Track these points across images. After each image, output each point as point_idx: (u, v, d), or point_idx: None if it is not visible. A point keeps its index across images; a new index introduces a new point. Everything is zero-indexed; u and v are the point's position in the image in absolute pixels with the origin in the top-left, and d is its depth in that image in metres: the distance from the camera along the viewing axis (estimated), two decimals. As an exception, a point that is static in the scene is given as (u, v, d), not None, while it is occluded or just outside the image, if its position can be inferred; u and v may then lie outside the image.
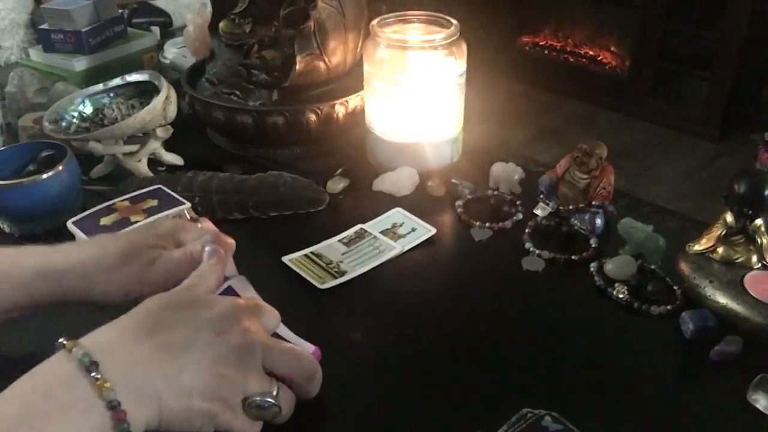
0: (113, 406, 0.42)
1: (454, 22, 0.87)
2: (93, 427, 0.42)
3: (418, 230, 0.79)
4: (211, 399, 0.46)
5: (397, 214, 0.83)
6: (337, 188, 0.88)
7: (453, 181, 0.88)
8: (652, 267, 0.72)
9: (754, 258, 0.67)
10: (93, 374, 0.42)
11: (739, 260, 0.68)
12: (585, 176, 0.78)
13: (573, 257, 0.75)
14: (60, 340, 0.44)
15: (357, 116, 0.95)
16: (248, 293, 0.59)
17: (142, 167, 0.90)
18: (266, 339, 0.51)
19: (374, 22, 0.87)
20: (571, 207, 0.79)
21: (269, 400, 0.48)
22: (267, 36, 0.92)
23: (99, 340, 0.45)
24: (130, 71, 0.97)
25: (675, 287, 0.69)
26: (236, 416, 0.47)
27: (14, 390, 0.42)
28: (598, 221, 0.78)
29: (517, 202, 0.84)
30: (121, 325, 0.47)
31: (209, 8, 1.00)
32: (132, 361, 0.45)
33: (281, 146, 0.96)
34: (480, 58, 1.58)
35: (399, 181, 0.87)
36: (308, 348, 0.58)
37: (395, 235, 0.79)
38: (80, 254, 0.57)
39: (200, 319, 0.48)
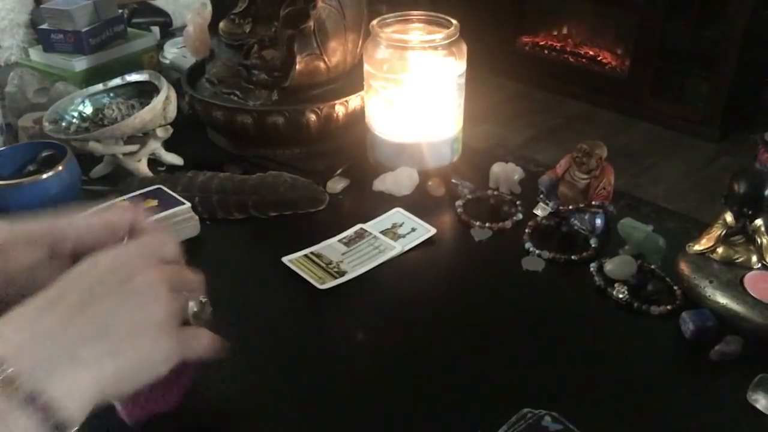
0: (32, 400, 0.37)
1: (454, 22, 0.87)
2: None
3: (418, 230, 0.79)
4: (142, 341, 0.43)
5: (397, 214, 0.83)
6: (337, 188, 0.88)
7: (453, 181, 0.88)
8: (652, 267, 0.72)
9: (754, 258, 0.67)
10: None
11: (739, 260, 0.68)
12: (585, 176, 0.78)
13: (573, 257, 0.75)
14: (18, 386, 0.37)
15: (357, 116, 0.95)
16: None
17: (142, 167, 0.90)
18: (165, 268, 0.46)
19: (374, 22, 0.87)
20: (571, 207, 0.79)
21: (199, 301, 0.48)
22: (267, 36, 0.92)
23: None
24: (130, 71, 0.97)
25: (675, 287, 0.69)
26: (182, 336, 0.46)
27: None
28: (598, 221, 0.78)
29: (517, 202, 0.84)
30: (20, 311, 0.41)
31: (209, 8, 1.00)
32: (40, 341, 0.39)
33: (281, 146, 0.96)
34: (480, 58, 1.59)
35: (399, 181, 0.87)
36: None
37: (395, 235, 0.79)
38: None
39: (93, 275, 0.44)
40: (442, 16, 0.89)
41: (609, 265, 0.72)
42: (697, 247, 0.69)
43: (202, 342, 0.48)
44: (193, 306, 0.54)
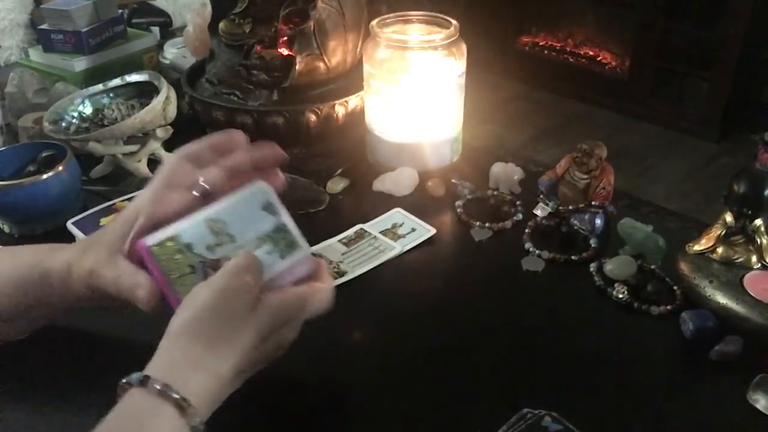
0: (183, 408, 0.44)
1: (454, 22, 0.87)
2: None
3: (417, 230, 0.79)
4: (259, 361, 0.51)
5: (397, 214, 0.83)
6: (337, 188, 0.88)
7: (453, 181, 0.88)
8: (652, 267, 0.72)
9: (754, 258, 0.67)
10: (174, 395, 0.44)
11: (739, 260, 0.68)
12: (585, 176, 0.78)
13: (573, 257, 0.75)
14: (156, 386, 0.44)
15: (357, 116, 0.95)
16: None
17: (142, 167, 0.90)
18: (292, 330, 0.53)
19: (374, 22, 0.87)
20: (570, 207, 0.79)
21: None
22: (267, 36, 0.92)
23: (202, 392, 0.46)
24: (130, 71, 0.97)
25: (675, 287, 0.69)
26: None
27: None
28: (598, 221, 0.78)
29: (517, 202, 0.84)
30: (207, 368, 0.47)
31: (209, 8, 1.00)
32: (215, 384, 0.47)
33: (281, 146, 0.95)
34: (480, 58, 1.58)
35: (399, 181, 0.87)
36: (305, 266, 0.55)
37: (395, 235, 0.79)
38: (70, 249, 0.55)
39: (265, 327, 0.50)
40: (442, 16, 0.89)
41: (609, 265, 0.72)
42: (697, 247, 0.69)
43: (323, 303, 0.54)
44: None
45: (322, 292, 0.54)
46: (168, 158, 0.55)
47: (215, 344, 0.47)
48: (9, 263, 0.57)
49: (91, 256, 0.53)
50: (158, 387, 0.44)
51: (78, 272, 0.53)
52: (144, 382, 0.44)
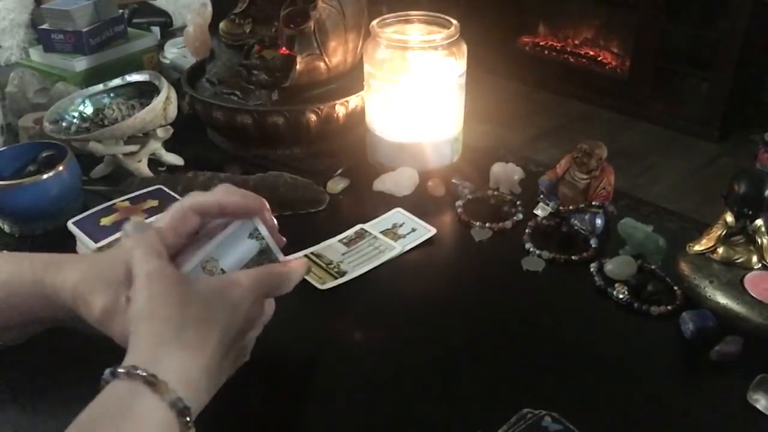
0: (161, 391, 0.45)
1: (454, 22, 0.87)
2: None
3: (418, 230, 0.79)
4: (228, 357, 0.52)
5: (397, 215, 0.83)
6: (337, 188, 0.88)
7: (453, 181, 0.88)
8: (652, 267, 0.72)
9: (754, 258, 0.67)
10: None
11: (739, 260, 0.68)
12: (585, 176, 0.78)
13: (573, 257, 0.75)
14: (121, 370, 0.45)
15: (357, 116, 0.95)
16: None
17: (143, 167, 0.90)
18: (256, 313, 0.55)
19: (374, 22, 0.87)
20: (571, 207, 0.79)
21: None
22: (267, 36, 0.92)
23: (174, 368, 0.46)
24: (130, 71, 0.97)
25: (675, 287, 0.70)
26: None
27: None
28: (598, 221, 0.78)
29: (517, 202, 0.84)
30: (183, 344, 0.48)
31: (209, 8, 1.00)
32: (206, 381, 0.49)
33: (281, 146, 0.96)
34: (480, 58, 1.58)
35: (399, 181, 0.87)
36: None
37: (395, 235, 0.79)
38: (73, 273, 0.53)
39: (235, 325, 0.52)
40: (442, 16, 0.89)
41: (609, 265, 0.72)
42: (697, 247, 0.69)
43: (290, 283, 0.56)
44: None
45: (290, 270, 0.56)
46: (176, 206, 0.56)
47: (182, 321, 0.48)
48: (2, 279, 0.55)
49: (99, 299, 0.51)
50: (123, 371, 0.45)
51: (84, 309, 0.52)
52: (113, 372, 0.45)
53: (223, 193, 0.57)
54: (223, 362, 0.51)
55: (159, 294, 0.49)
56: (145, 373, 0.44)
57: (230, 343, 0.51)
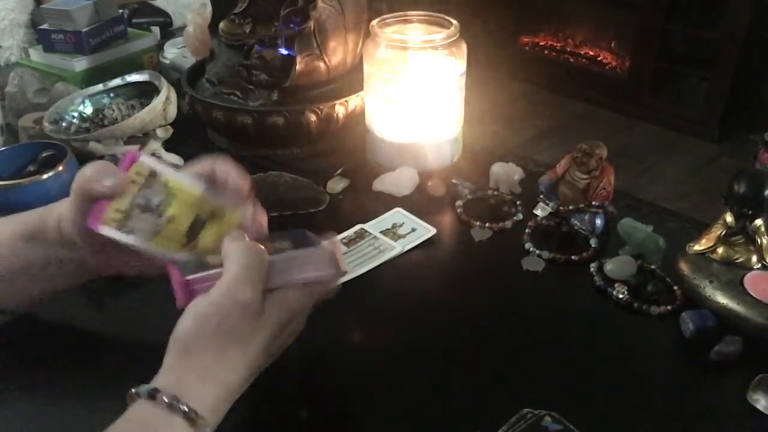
0: (192, 420, 0.45)
1: (454, 22, 0.87)
2: None
3: (418, 230, 0.79)
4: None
5: (397, 215, 0.83)
6: (337, 188, 0.88)
7: (453, 181, 0.88)
8: (652, 267, 0.72)
9: (754, 258, 0.67)
10: (183, 408, 0.44)
11: (739, 260, 0.68)
12: (585, 176, 0.78)
13: (573, 257, 0.75)
14: (132, 390, 0.45)
15: (357, 116, 0.95)
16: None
17: (142, 167, 0.90)
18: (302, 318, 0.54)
19: (374, 22, 0.87)
20: (571, 207, 0.79)
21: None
22: (267, 36, 0.92)
23: (208, 400, 0.46)
24: (130, 71, 0.97)
25: (675, 287, 0.69)
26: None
27: None
28: (598, 221, 0.78)
29: (517, 202, 0.84)
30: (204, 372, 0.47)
31: (209, 8, 1.00)
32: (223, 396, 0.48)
33: (281, 146, 0.96)
34: (480, 58, 1.58)
35: (399, 181, 0.87)
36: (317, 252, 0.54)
37: (395, 235, 0.79)
38: (63, 218, 0.56)
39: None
40: (442, 16, 0.89)
41: (609, 265, 0.72)
42: (697, 247, 0.69)
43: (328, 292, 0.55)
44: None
45: (325, 282, 0.54)
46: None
47: (223, 355, 0.47)
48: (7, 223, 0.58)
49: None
50: (167, 400, 0.44)
51: (70, 227, 0.55)
52: (152, 395, 0.44)
53: (223, 163, 0.56)
54: (247, 383, 0.50)
55: (209, 320, 0.47)
56: (186, 408, 0.44)
57: (262, 365, 0.51)
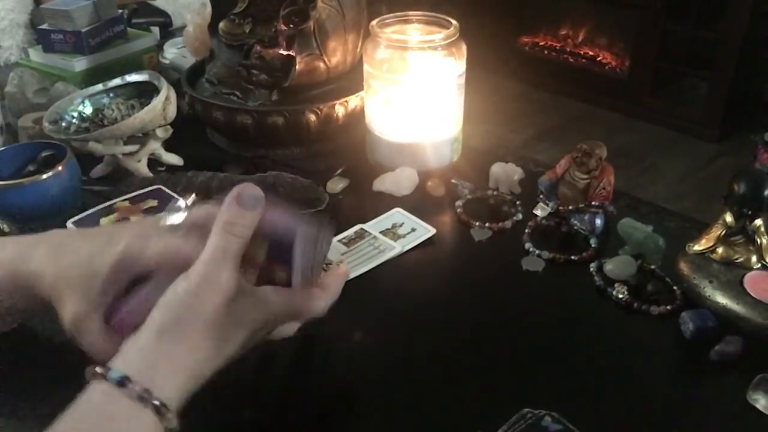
0: (162, 414, 0.43)
1: (454, 22, 0.87)
2: None
3: (417, 230, 0.79)
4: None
5: (397, 214, 0.83)
6: (337, 188, 0.88)
7: (453, 181, 0.88)
8: (652, 267, 0.72)
9: (754, 258, 0.67)
10: (154, 402, 0.42)
11: (739, 260, 0.68)
12: (585, 176, 0.78)
13: (573, 257, 0.75)
14: (98, 369, 0.43)
15: (357, 116, 0.95)
16: None
17: (142, 167, 0.90)
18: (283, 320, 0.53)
19: (374, 22, 0.87)
20: (570, 207, 0.79)
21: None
22: (267, 36, 0.92)
23: (174, 392, 0.44)
24: (129, 71, 0.97)
25: (675, 287, 0.69)
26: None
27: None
28: (598, 221, 0.78)
29: (517, 202, 0.84)
30: (150, 333, 0.45)
31: (209, 8, 1.00)
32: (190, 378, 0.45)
33: (281, 146, 0.96)
34: (480, 58, 1.58)
35: (399, 181, 0.87)
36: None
37: (395, 235, 0.79)
38: (57, 261, 0.50)
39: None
40: (442, 16, 0.89)
41: (609, 265, 0.72)
42: (697, 247, 0.69)
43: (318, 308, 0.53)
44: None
45: (319, 300, 0.53)
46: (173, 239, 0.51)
47: (198, 345, 0.45)
48: None
49: (71, 304, 0.49)
50: (138, 390, 0.42)
51: (58, 308, 0.50)
52: (123, 383, 0.42)
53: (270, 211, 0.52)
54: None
55: (188, 308, 0.46)
56: (157, 402, 0.42)
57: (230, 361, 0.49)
